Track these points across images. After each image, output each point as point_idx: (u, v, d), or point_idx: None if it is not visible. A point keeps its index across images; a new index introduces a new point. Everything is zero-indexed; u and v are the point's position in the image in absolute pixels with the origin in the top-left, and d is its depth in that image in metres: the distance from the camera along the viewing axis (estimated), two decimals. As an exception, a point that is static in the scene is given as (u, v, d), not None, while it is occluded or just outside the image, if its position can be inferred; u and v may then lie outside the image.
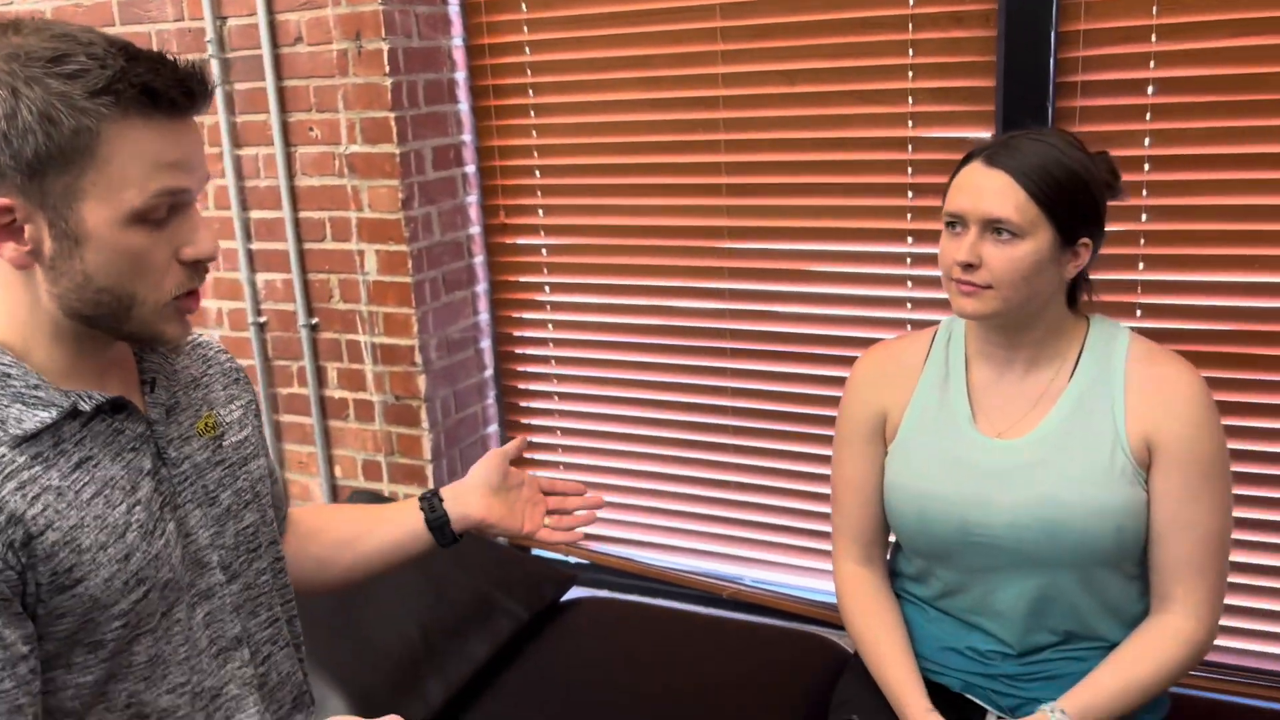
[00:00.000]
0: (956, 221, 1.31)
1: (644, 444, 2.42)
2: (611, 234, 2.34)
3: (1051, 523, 1.29)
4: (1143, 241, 1.89)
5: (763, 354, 2.26)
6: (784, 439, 2.27)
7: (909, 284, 2.09)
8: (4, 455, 0.86)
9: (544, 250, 2.42)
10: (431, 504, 1.23)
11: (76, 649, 0.90)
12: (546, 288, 2.45)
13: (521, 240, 2.44)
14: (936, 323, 1.49)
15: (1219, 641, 1.96)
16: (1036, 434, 1.33)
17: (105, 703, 0.92)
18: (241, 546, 1.04)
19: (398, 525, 1.23)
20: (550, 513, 1.30)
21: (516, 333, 2.52)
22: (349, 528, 1.23)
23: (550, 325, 2.47)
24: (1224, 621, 1.95)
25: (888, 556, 1.52)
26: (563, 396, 2.49)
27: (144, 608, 0.92)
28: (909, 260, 2.08)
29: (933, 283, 2.06)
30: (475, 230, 2.47)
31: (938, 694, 1.39)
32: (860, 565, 1.48)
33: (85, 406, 0.91)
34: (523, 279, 2.46)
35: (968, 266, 1.28)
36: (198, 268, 0.92)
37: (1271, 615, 1.95)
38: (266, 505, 1.10)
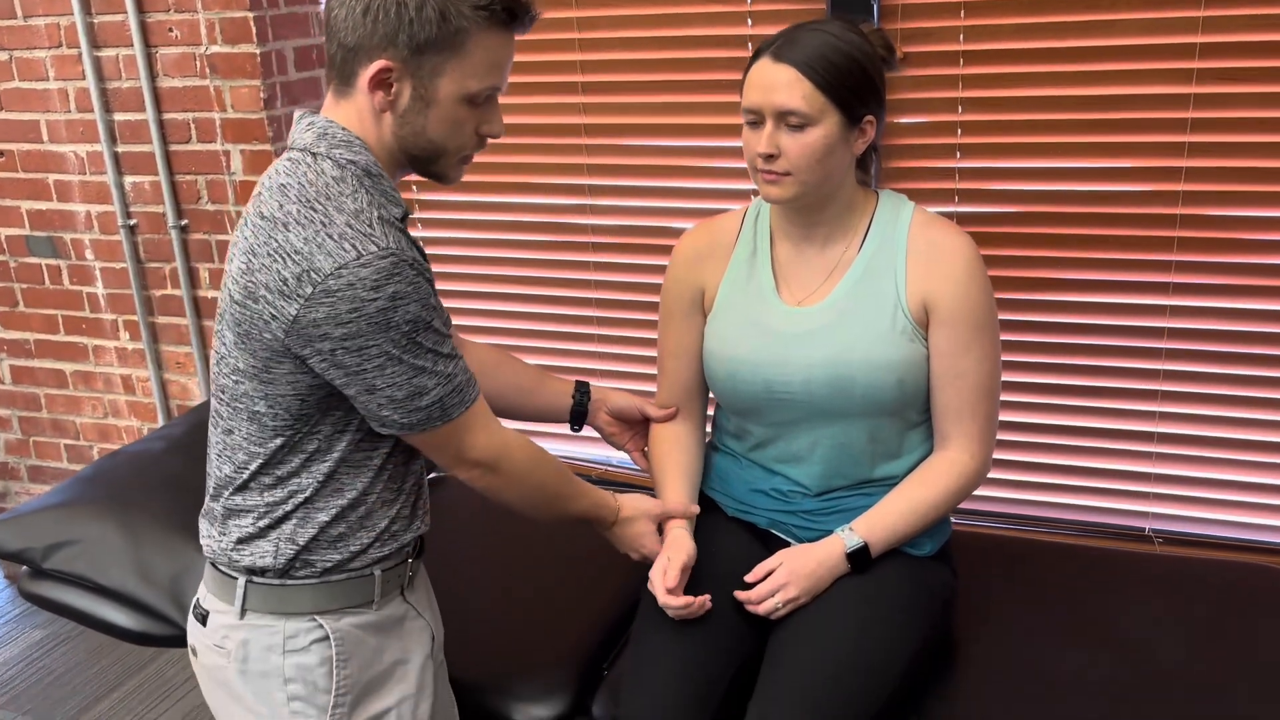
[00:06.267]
0: (754, 116, 1.43)
1: (514, 336, 2.54)
2: (475, 133, 2.41)
3: (839, 378, 1.46)
4: (959, 132, 2.05)
5: (620, 247, 2.38)
6: (641, 326, 2.41)
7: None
8: (379, 226, 1.18)
9: (410, 150, 2.49)
10: (580, 398, 1.65)
11: None
12: (415, 187, 2.52)
13: (388, 140, 2.50)
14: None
15: (1001, 494, 2.20)
16: (828, 300, 1.49)
17: (402, 454, 1.31)
18: None
19: (556, 397, 1.65)
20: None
21: (388, 232, 2.59)
22: (525, 379, 1.66)
23: (419, 224, 2.55)
24: (1011, 475, 2.18)
25: (709, 413, 1.68)
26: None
27: None
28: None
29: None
30: (342, 131, 2.52)
31: (748, 531, 1.57)
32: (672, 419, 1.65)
33: (411, 214, 1.27)
34: (391, 178, 2.53)
35: (769, 157, 1.42)
36: (484, 140, 1.25)
37: (1043, 468, 2.18)
38: None
